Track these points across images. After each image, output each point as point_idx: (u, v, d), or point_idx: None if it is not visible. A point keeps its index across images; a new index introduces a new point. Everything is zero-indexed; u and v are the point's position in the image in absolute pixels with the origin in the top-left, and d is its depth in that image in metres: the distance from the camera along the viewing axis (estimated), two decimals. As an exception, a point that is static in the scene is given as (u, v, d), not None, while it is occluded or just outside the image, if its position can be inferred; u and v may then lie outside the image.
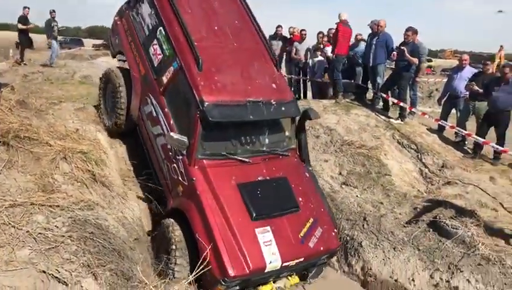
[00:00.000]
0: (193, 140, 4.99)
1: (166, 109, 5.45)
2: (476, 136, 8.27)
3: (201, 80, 5.12)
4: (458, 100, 9.17)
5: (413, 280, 5.36)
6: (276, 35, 11.25)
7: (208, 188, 4.89)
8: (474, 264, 5.32)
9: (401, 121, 9.28)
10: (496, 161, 8.33)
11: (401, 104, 9.22)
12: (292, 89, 10.23)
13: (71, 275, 3.33)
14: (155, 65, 5.77)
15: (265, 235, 4.74)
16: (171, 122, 5.36)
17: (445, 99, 9.67)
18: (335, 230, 5.46)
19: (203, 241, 4.55)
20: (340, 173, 7.32)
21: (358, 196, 6.89)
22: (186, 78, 5.22)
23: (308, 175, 5.77)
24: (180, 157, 5.14)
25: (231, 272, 4.44)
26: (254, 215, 4.81)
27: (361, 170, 7.43)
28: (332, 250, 5.33)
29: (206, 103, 4.95)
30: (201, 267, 4.26)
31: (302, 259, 4.90)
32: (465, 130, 8.74)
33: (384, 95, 9.51)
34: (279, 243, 4.77)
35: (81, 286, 3.19)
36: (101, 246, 4.08)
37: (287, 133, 5.85)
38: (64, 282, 3.20)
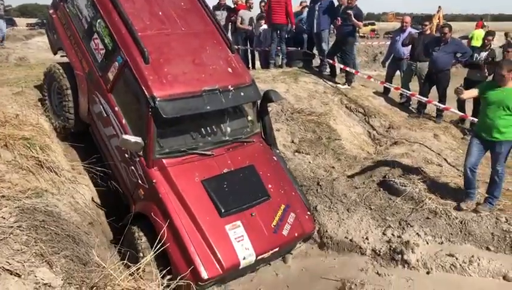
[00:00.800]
0: (148, 140, 4.68)
1: (116, 108, 5.05)
2: (419, 96, 8.58)
3: (149, 74, 4.72)
4: (401, 62, 9.45)
5: (367, 238, 5.58)
6: (220, 5, 11.05)
7: (170, 189, 4.62)
8: (423, 218, 5.60)
9: (348, 86, 9.47)
10: (439, 119, 8.72)
11: (347, 69, 9.39)
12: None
13: (23, 265, 3.21)
14: (98, 61, 5.31)
15: (236, 231, 4.56)
16: (123, 121, 4.98)
17: (389, 61, 9.94)
18: (308, 213, 5.30)
19: (171, 246, 4.31)
20: (292, 141, 7.41)
21: (311, 162, 7.02)
22: (133, 74, 4.81)
23: (276, 159, 5.57)
24: (137, 159, 4.82)
25: (204, 275, 4.25)
26: (223, 211, 4.60)
27: (313, 137, 7.57)
28: (307, 234, 5.22)
29: (158, 99, 4.60)
30: (171, 276, 4.02)
31: (276, 249, 4.77)
32: (409, 90, 9.05)
33: (331, 61, 9.63)
34: (252, 236, 4.59)
35: (35, 276, 3.08)
36: (53, 233, 3.95)
37: (249, 118, 5.59)
38: (17, 274, 3.09)
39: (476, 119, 7.63)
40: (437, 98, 8.62)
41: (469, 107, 8.47)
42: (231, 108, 5.32)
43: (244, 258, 4.47)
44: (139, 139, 4.61)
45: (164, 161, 4.74)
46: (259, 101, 5.60)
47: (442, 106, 8.40)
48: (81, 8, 5.61)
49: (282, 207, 5.01)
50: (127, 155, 4.97)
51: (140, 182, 4.83)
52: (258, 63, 11.42)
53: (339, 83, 9.52)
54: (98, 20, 5.27)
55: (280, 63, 10.26)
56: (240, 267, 4.49)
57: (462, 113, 8.25)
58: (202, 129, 5.12)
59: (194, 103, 4.77)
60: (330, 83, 9.50)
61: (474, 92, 5.92)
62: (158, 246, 3.91)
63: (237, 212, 4.68)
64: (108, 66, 5.14)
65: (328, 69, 10.09)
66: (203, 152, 4.92)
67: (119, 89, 5.10)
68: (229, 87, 5.05)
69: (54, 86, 6.14)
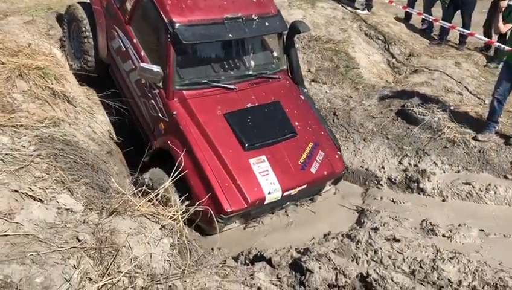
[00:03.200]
0: (168, 69, 4.50)
1: (135, 40, 4.92)
2: (442, 22, 8.19)
3: (168, 0, 4.60)
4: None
5: (383, 167, 5.58)
6: None
7: (192, 121, 4.46)
8: (441, 147, 5.54)
9: (368, 11, 9.06)
10: (462, 46, 8.37)
11: (368, -8, 8.95)
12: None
13: (45, 191, 3.29)
14: None
15: (260, 166, 4.39)
16: (142, 54, 4.84)
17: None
18: (338, 153, 5.07)
19: (193, 179, 4.21)
20: (309, 70, 7.24)
21: (328, 91, 6.90)
22: (151, 0, 4.67)
23: (303, 98, 5.29)
24: (157, 91, 4.67)
25: (227, 208, 4.11)
26: (246, 145, 4.43)
27: (330, 66, 7.37)
28: (337, 174, 4.95)
29: (177, 24, 4.43)
30: (194, 207, 3.78)
31: (304, 186, 4.55)
32: (432, 16, 8.63)
33: (351, -15, 9.17)
34: (278, 171, 4.42)
35: (57, 202, 3.17)
36: (72, 161, 4.01)
37: (275, 54, 5.34)
38: (40, 199, 3.18)
39: (502, 45, 7.31)
40: (461, 23, 8.23)
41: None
42: (255, 41, 5.14)
43: (269, 193, 4.30)
44: (158, 68, 4.45)
45: (185, 92, 4.58)
46: (285, 36, 5.28)
47: (466, 31, 8.01)
48: None
49: (310, 145, 4.80)
50: (146, 89, 4.83)
51: (160, 115, 4.69)
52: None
53: (359, 9, 9.10)
54: None
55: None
56: (266, 202, 4.33)
57: (488, 39, 7.89)
58: (225, 62, 4.93)
59: (215, 30, 4.57)
60: (349, 8, 9.08)
61: (508, 25, 5.57)
62: (176, 174, 3.75)
63: (262, 147, 4.51)
64: None
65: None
66: (225, 85, 4.73)
67: (138, 19, 4.96)
68: (253, 16, 4.83)
69: (74, 27, 5.95)
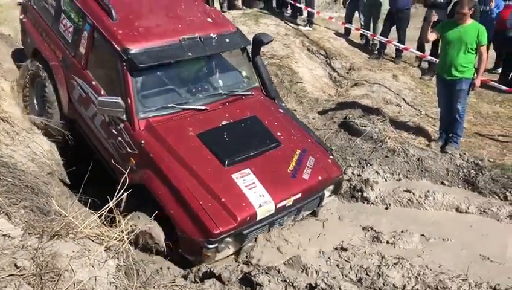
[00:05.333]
0: (129, 98, 4.24)
1: (93, 82, 4.68)
2: (379, 37, 8.59)
3: (118, 29, 4.45)
4: (360, 1, 9.35)
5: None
6: None
7: (162, 146, 4.16)
8: (382, 156, 5.76)
9: (310, 27, 9.35)
10: (398, 60, 8.80)
11: (309, 9, 9.24)
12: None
13: (-20, 218, 3.13)
14: (69, 41, 5.02)
15: (246, 179, 4.05)
16: (102, 92, 4.57)
17: (348, 2, 9.82)
18: (331, 157, 4.79)
19: (173, 208, 3.87)
20: (254, 85, 7.34)
21: (273, 105, 7.01)
22: (103, 34, 4.51)
23: (282, 111, 5.04)
24: (122, 125, 4.37)
25: (214, 229, 3.70)
26: (226, 161, 4.11)
27: (275, 80, 7.50)
28: (333, 178, 4.57)
29: (131, 50, 4.26)
30: (139, 228, 3.61)
31: (299, 195, 4.17)
32: (369, 31, 9.04)
33: (292, 2, 9.43)
34: (266, 183, 4.06)
35: (-6, 228, 3.02)
36: (10, 184, 3.83)
37: (243, 73, 5.12)
38: (-26, 226, 3.01)
39: (434, 59, 7.75)
40: (397, 38, 8.67)
41: (428, 47, 8.56)
42: (220, 61, 5.01)
43: (260, 206, 3.92)
44: (118, 99, 4.19)
45: (151, 120, 4.30)
46: (250, 51, 5.14)
47: (401, 46, 8.46)
48: None
49: (297, 152, 4.47)
50: (111, 127, 4.49)
51: (129, 150, 4.34)
52: (217, 5, 11.04)
53: (301, 25, 9.38)
54: (62, 1, 5.13)
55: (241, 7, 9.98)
56: (258, 217, 3.94)
57: (421, 53, 8.34)
58: (190, 84, 4.69)
59: (172, 50, 4.40)
60: (291, 24, 9.35)
61: (434, 35, 5.96)
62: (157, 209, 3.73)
63: (244, 160, 4.18)
64: (79, 40, 4.83)
65: (289, 11, 9.89)
66: (195, 107, 4.49)
67: (93, 60, 4.75)
68: (211, 35, 4.71)
69: (37, 85, 5.56)
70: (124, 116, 4.28)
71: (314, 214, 4.65)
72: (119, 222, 3.39)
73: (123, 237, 3.12)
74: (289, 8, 9.83)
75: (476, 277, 3.68)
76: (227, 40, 4.80)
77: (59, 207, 3.39)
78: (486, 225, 4.78)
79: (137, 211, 4.05)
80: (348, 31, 9.55)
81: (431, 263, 4.00)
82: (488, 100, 7.72)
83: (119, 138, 4.44)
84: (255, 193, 3.97)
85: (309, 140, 4.80)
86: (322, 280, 3.43)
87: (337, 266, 3.84)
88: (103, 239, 3.07)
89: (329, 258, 3.87)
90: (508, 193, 5.11)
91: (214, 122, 4.46)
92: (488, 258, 4.20)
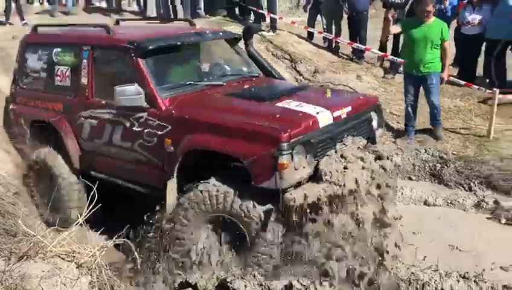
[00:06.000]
0: (145, 83, 4.13)
1: (103, 102, 4.48)
2: (342, 39, 8.77)
3: (118, 36, 4.62)
4: (322, 5, 9.53)
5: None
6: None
7: (194, 107, 4.05)
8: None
9: (273, 32, 9.45)
10: (361, 60, 8.99)
11: (271, 15, 9.34)
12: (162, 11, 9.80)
13: None
14: (69, 85, 4.83)
15: (291, 104, 3.96)
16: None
17: (310, 6, 9.99)
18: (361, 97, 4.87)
19: (229, 143, 3.62)
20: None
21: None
22: (103, 46, 4.65)
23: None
24: (145, 114, 4.16)
25: (282, 133, 3.44)
26: (266, 97, 4.07)
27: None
28: (374, 103, 4.55)
29: (135, 40, 4.32)
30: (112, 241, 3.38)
31: (349, 108, 4.06)
32: (332, 34, 9.21)
33: (255, 8, 9.52)
34: (312, 101, 4.02)
35: (-43, 253, 2.93)
36: (-26, 208, 3.74)
37: (245, 66, 5.12)
38: None
39: (396, 58, 7.97)
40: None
41: (389, 47, 8.80)
42: (222, 53, 5.19)
43: (317, 113, 3.78)
44: (135, 85, 4.07)
45: (173, 96, 4.18)
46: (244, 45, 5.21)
47: (363, 47, 8.65)
48: (35, 66, 5.19)
49: (328, 90, 4.64)
50: (134, 128, 4.23)
51: (160, 132, 4.07)
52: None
53: (264, 31, 9.46)
54: (53, 51, 4.99)
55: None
56: (320, 125, 3.75)
57: (382, 53, 8.55)
58: (200, 69, 4.92)
59: (172, 38, 4.62)
60: (255, 31, 9.42)
61: (398, 28, 6.17)
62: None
63: (282, 96, 4.14)
64: (79, 74, 4.68)
65: (252, 17, 9.97)
66: (214, 83, 4.53)
67: (98, 82, 4.61)
68: (205, 31, 5.11)
69: (43, 179, 5.11)
70: (145, 102, 4.12)
71: (373, 141, 4.36)
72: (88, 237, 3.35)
73: (95, 252, 3.08)
74: (252, 14, 9.91)
75: (446, 267, 3.78)
76: (221, 33, 5.18)
77: (27, 227, 3.32)
78: (454, 216, 4.92)
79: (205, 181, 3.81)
80: (311, 35, 9.70)
81: (402, 256, 4.09)
82: (449, 95, 7.97)
83: (146, 130, 4.18)
84: (308, 107, 3.89)
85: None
86: (298, 281, 3.46)
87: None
88: (74, 256, 3.03)
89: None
90: (472, 184, 5.29)
91: (237, 89, 4.45)
92: (457, 248, 4.32)
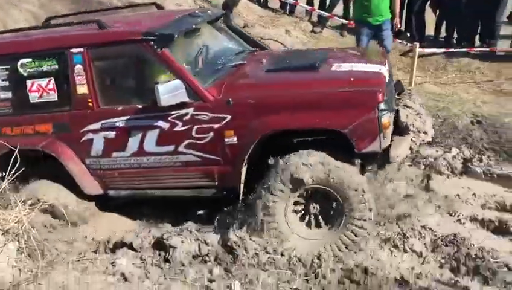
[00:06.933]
0: (181, 75, 3.62)
1: (120, 108, 3.83)
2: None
3: (121, 26, 3.99)
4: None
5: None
6: None
7: (252, 90, 3.73)
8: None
9: (202, -15, 9.16)
10: (292, 14, 9.05)
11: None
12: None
13: None
14: (56, 99, 3.94)
15: (343, 66, 3.91)
16: (139, 109, 3.81)
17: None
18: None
19: (324, 117, 3.45)
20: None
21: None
22: (105, 46, 3.83)
23: None
24: (190, 110, 3.66)
25: (377, 92, 3.42)
26: (316, 64, 3.84)
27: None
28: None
29: (154, 31, 3.72)
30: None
31: (386, 65, 4.06)
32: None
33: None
34: (361, 60, 4.15)
35: None
36: None
37: (238, 42, 4.72)
38: None
39: (324, 13, 8.08)
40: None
41: (316, 2, 8.87)
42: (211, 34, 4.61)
43: (380, 70, 3.79)
44: (176, 80, 3.58)
45: (215, 84, 3.77)
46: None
47: (291, 0, 8.65)
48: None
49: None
50: (176, 128, 3.72)
51: (217, 126, 3.66)
52: None
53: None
54: (19, 63, 3.94)
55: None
56: (386, 78, 3.75)
57: (310, 7, 8.60)
58: (214, 54, 4.28)
59: (185, 23, 4.05)
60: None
61: None
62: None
63: (326, 60, 4.00)
64: (72, 83, 3.87)
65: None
66: (236, 63, 4.11)
67: (104, 88, 3.91)
68: (202, 11, 4.60)
69: None
70: (187, 97, 3.62)
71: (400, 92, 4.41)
72: (15, 203, 3.19)
73: (21, 217, 2.95)
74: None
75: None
76: (214, 12, 4.74)
77: None
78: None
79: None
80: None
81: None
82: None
83: (196, 127, 3.71)
84: (363, 66, 3.91)
85: None
86: (234, 233, 3.54)
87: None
88: (-1, 223, 2.88)
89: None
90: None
91: (267, 64, 4.08)
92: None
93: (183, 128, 3.71)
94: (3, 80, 4.01)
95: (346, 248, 3.50)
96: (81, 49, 3.80)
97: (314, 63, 3.89)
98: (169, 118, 3.70)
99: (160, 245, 3.57)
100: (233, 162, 3.69)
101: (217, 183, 3.83)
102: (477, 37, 8.17)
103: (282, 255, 3.46)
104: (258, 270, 3.31)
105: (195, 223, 3.82)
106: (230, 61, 4.16)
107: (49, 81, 3.92)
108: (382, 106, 3.40)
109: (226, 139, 3.66)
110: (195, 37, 4.17)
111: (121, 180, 4.01)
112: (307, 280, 3.25)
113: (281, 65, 4.08)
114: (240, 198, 3.69)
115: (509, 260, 3.37)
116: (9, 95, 4.02)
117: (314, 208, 3.61)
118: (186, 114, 3.68)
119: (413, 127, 3.79)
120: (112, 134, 3.85)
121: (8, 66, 3.97)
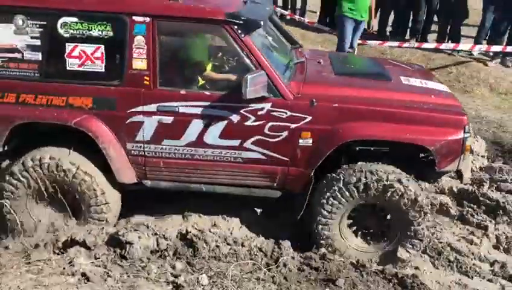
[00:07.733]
0: (263, 67, 3.38)
1: (183, 92, 3.48)
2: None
3: (197, 4, 3.51)
4: None
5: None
6: None
7: (334, 92, 3.60)
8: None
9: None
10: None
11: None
12: None
13: None
14: (103, 70, 3.47)
15: (412, 80, 4.08)
16: (212, 97, 3.50)
17: None
18: None
19: (412, 131, 3.49)
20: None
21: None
22: (177, 20, 3.45)
23: None
24: (267, 106, 3.43)
25: (465, 116, 3.64)
26: (386, 75, 4.05)
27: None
28: None
29: (240, 14, 3.40)
30: None
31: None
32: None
33: None
34: (420, 76, 4.27)
35: None
36: None
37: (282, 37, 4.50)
38: None
39: (285, 12, 8.18)
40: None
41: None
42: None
43: (445, 88, 4.18)
44: (261, 71, 3.33)
45: (294, 79, 3.63)
46: None
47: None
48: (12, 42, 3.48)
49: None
50: (248, 122, 3.47)
51: (295, 125, 3.46)
52: None
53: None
54: (60, 21, 3.40)
55: None
56: None
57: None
58: (276, 49, 4.07)
59: (259, 9, 3.87)
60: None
61: None
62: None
63: (392, 73, 4.13)
64: (128, 56, 3.42)
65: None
66: (299, 60, 4.05)
67: (169, 68, 3.55)
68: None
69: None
70: (266, 92, 3.38)
71: None
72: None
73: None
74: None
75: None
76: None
77: None
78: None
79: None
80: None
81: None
82: (311, 41, 8.43)
83: (270, 124, 3.48)
84: (432, 84, 4.06)
85: None
86: (192, 226, 3.49)
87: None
88: None
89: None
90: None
91: (332, 65, 4.12)
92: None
93: (255, 124, 3.48)
94: (33, 38, 3.44)
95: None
96: (147, 19, 3.38)
97: (380, 71, 4.11)
98: (241, 111, 3.45)
99: (115, 242, 3.42)
100: (302, 164, 3.56)
101: (276, 184, 3.66)
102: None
103: (243, 245, 3.47)
104: (220, 263, 3.28)
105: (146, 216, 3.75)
106: (292, 58, 4.03)
107: (98, 48, 3.43)
108: (467, 128, 3.57)
109: (301, 141, 3.51)
110: (264, 29, 3.88)
111: (166, 170, 3.66)
112: (269, 269, 3.27)
113: (347, 69, 4.26)
114: (306, 202, 3.57)
115: None
116: (38, 56, 3.47)
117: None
118: (262, 109, 3.45)
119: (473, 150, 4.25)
120: (168, 119, 3.49)
121: (45, 23, 3.42)
